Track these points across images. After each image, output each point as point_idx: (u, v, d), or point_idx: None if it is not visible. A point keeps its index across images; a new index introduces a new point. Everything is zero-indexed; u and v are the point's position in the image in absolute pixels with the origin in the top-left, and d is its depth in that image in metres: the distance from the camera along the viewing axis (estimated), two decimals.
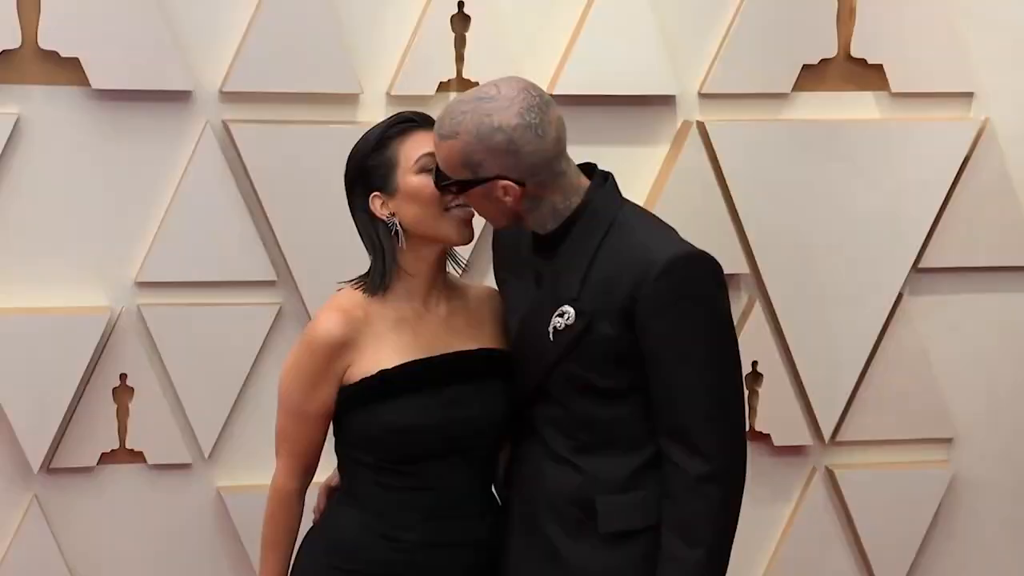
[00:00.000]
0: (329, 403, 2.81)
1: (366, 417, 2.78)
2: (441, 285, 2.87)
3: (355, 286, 2.85)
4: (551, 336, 2.72)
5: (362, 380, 2.77)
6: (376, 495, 2.82)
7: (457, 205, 2.76)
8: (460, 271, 2.97)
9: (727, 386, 2.70)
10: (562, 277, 2.73)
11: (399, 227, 2.79)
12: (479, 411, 2.80)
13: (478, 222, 2.82)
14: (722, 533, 2.69)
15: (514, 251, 2.89)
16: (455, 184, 2.71)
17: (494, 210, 2.74)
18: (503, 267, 2.95)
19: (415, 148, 2.77)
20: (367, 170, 2.80)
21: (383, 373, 2.77)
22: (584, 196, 2.74)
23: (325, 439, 2.88)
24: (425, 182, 2.75)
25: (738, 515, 2.72)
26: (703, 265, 2.70)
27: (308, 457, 2.87)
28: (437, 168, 2.74)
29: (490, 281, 3.10)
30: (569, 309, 2.70)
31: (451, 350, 2.82)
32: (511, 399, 2.84)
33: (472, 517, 2.84)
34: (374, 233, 2.81)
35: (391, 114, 3.49)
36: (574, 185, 2.74)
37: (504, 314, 2.91)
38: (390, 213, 2.79)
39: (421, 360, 2.79)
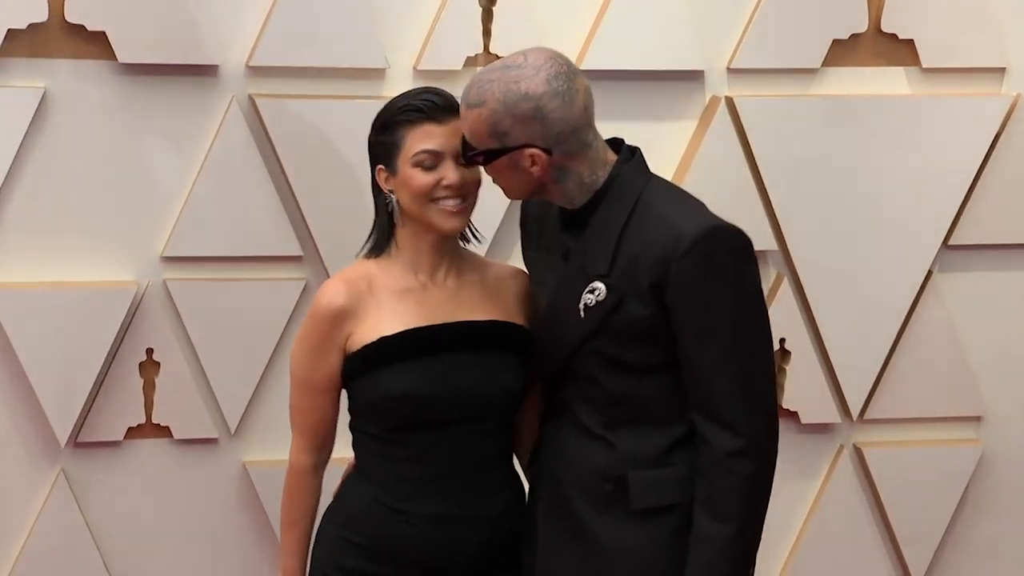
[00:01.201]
0: (334, 374, 2.82)
1: (368, 384, 2.79)
2: (450, 260, 2.87)
3: (364, 255, 2.89)
4: (582, 312, 2.70)
5: (364, 347, 2.78)
6: (383, 467, 2.82)
7: (446, 197, 2.76)
8: (467, 244, 2.93)
9: (757, 361, 2.69)
10: (591, 253, 2.72)
11: (396, 204, 2.82)
12: (481, 381, 2.79)
13: (496, 205, 2.81)
14: (753, 509, 2.67)
15: (540, 228, 2.88)
16: (481, 155, 2.70)
17: (519, 181, 2.73)
18: (531, 244, 2.93)
19: (417, 141, 2.77)
20: (376, 144, 2.83)
21: (384, 339, 2.77)
22: (611, 170, 2.73)
23: (336, 414, 2.88)
24: (417, 176, 2.76)
25: (770, 491, 2.70)
26: (731, 239, 2.68)
27: (320, 432, 2.88)
28: (464, 141, 2.73)
29: (515, 261, 3.08)
30: (600, 285, 2.69)
31: (456, 319, 2.82)
32: (522, 373, 2.83)
33: (485, 491, 2.83)
34: (379, 201, 2.86)
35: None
36: (601, 159, 2.73)
37: (529, 294, 2.90)
38: (390, 190, 2.82)
39: (423, 328, 2.79)
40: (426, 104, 2.77)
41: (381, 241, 2.86)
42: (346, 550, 2.83)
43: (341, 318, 2.80)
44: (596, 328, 2.69)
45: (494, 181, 2.77)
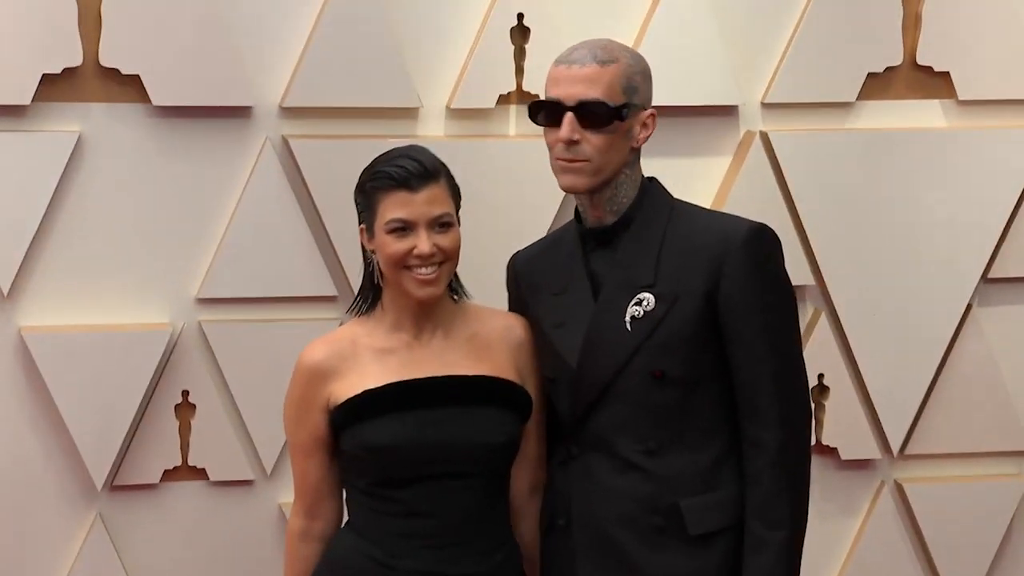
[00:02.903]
0: (318, 433, 2.81)
1: (352, 436, 2.76)
2: (437, 318, 2.83)
3: (353, 314, 2.88)
4: (628, 326, 2.70)
5: (348, 400, 2.76)
6: (371, 521, 2.79)
7: (419, 266, 2.73)
8: (457, 299, 2.88)
9: (798, 356, 2.76)
10: (632, 266, 2.72)
11: (376, 265, 2.81)
12: (465, 435, 2.75)
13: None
14: (803, 509, 2.71)
15: (535, 280, 2.86)
16: (618, 108, 2.68)
17: (618, 156, 2.72)
18: (531, 294, 2.88)
19: (389, 209, 2.73)
20: (357, 204, 2.81)
21: (368, 392, 2.75)
22: (640, 187, 2.78)
23: (324, 477, 2.84)
24: (390, 244, 2.73)
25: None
26: (774, 236, 2.76)
27: (310, 495, 2.85)
28: (588, 104, 2.68)
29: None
30: (647, 295, 2.70)
31: (441, 375, 2.79)
32: (510, 428, 2.80)
33: (476, 549, 2.77)
34: (364, 258, 2.85)
35: (450, 129, 3.50)
36: (639, 175, 2.79)
37: (526, 343, 2.86)
38: (371, 250, 2.80)
39: (408, 381, 2.77)
40: (399, 172, 2.73)
41: (367, 298, 2.85)
42: None
43: (321, 376, 2.79)
44: (644, 339, 2.69)
45: (590, 155, 2.69)
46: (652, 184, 2.80)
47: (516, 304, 2.93)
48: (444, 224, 2.74)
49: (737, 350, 2.69)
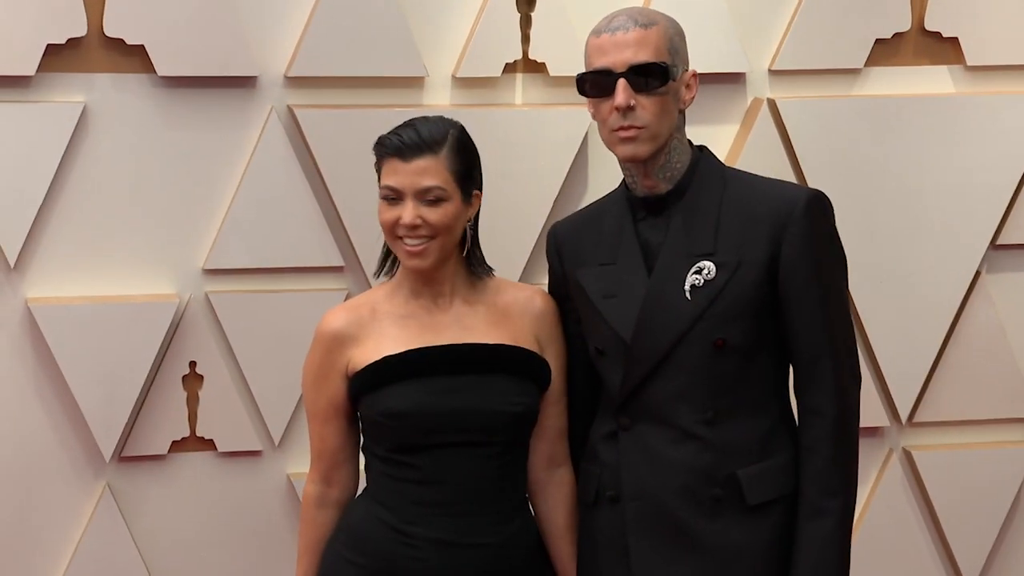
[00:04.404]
0: (337, 400, 2.82)
1: (371, 402, 2.78)
2: (453, 285, 2.84)
3: (376, 277, 2.91)
4: (688, 295, 2.69)
5: (367, 366, 2.77)
6: (388, 487, 2.80)
7: (406, 236, 2.74)
8: (479, 275, 2.88)
9: (851, 323, 2.77)
10: (690, 235, 2.71)
11: None
12: (484, 403, 2.76)
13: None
14: (855, 476, 2.73)
15: (584, 243, 2.84)
16: (666, 68, 2.67)
17: (669, 119, 2.71)
18: (575, 265, 2.84)
19: (384, 176, 2.78)
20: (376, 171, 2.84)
21: (386, 358, 2.77)
22: (692, 156, 2.77)
23: (346, 447, 2.87)
24: (383, 210, 2.77)
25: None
26: (830, 203, 2.76)
27: (326, 461, 2.87)
28: (638, 67, 2.66)
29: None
30: (708, 263, 2.69)
31: (460, 342, 2.79)
32: (528, 398, 2.80)
33: (493, 518, 2.79)
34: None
35: (456, 98, 3.48)
36: (686, 140, 2.78)
37: (548, 314, 2.86)
38: None
39: (427, 348, 2.77)
40: (395, 140, 2.76)
41: (385, 263, 2.89)
42: (347, 571, 2.81)
43: (340, 342, 2.80)
44: (705, 307, 2.68)
45: (647, 121, 2.67)
46: (703, 153, 2.79)
47: (557, 275, 2.91)
48: (435, 198, 2.73)
49: (796, 317, 2.69)
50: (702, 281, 2.69)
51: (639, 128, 2.68)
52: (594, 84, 2.71)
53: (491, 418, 2.76)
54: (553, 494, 2.89)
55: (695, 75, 2.75)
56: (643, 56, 2.67)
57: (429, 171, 2.73)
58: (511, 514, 2.82)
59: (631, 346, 2.72)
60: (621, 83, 2.66)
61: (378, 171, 2.80)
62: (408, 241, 2.75)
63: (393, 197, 2.75)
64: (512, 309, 2.85)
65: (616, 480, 2.77)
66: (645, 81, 2.67)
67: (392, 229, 2.76)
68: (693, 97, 2.75)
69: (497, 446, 2.79)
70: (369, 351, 2.79)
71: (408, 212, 2.73)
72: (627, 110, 2.67)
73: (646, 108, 2.67)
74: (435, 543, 2.75)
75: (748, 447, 2.71)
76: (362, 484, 2.92)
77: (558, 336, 2.88)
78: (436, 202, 2.74)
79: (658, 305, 2.71)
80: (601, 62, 2.70)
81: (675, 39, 2.72)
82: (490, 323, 2.82)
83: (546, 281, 2.95)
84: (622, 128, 2.69)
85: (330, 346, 2.82)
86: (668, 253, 2.72)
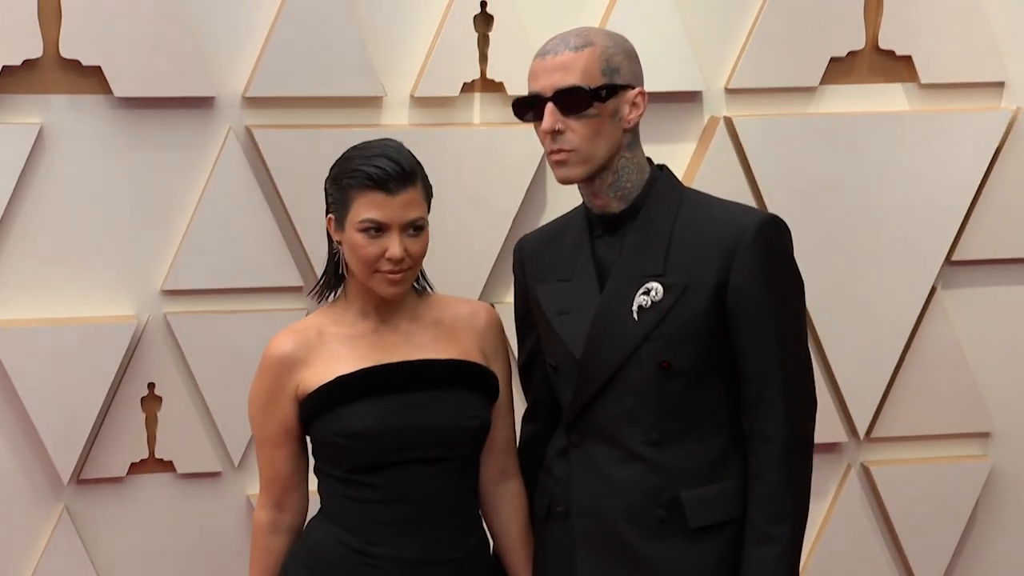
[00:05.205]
0: (287, 423, 2.80)
1: (326, 423, 2.76)
2: (401, 304, 2.83)
3: (316, 298, 2.88)
4: (635, 315, 2.68)
5: (320, 387, 2.76)
6: (347, 509, 2.78)
7: (388, 270, 2.72)
8: (422, 291, 2.89)
9: (806, 348, 2.74)
10: (641, 255, 2.70)
11: (343, 256, 2.80)
12: (442, 418, 2.75)
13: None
14: (805, 502, 2.71)
15: (542, 262, 2.85)
16: (597, 91, 2.65)
17: (608, 140, 2.68)
18: (536, 280, 2.86)
19: (364, 208, 2.72)
20: (329, 193, 2.79)
21: (341, 378, 2.75)
22: (650, 175, 2.76)
23: (294, 468, 2.85)
24: (362, 244, 2.72)
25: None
26: (786, 228, 2.74)
27: (278, 487, 2.84)
28: (563, 92, 2.65)
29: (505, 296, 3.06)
30: (655, 285, 2.68)
31: (412, 359, 2.79)
32: (483, 412, 2.80)
33: (454, 534, 2.78)
34: (330, 246, 2.84)
35: (414, 118, 3.48)
36: (643, 160, 2.76)
37: (491, 328, 2.87)
38: (338, 241, 2.79)
39: (381, 366, 2.76)
40: (378, 173, 2.71)
41: (331, 284, 2.85)
42: None
43: (288, 366, 2.78)
44: (651, 329, 2.67)
45: (577, 144, 2.66)
46: (662, 172, 2.78)
47: (522, 288, 2.91)
48: (417, 228, 2.73)
49: (745, 342, 2.67)
50: (649, 302, 2.68)
51: (568, 151, 2.68)
52: (526, 108, 2.73)
53: (451, 433, 2.76)
54: (505, 507, 2.90)
55: (642, 93, 2.72)
56: (569, 80, 2.66)
57: (413, 203, 2.72)
58: (472, 529, 2.83)
59: (581, 364, 2.73)
60: (548, 107, 2.67)
61: (344, 200, 2.75)
62: (391, 274, 2.73)
63: (376, 229, 2.72)
64: (457, 325, 2.85)
65: (567, 496, 2.78)
66: (570, 104, 2.66)
67: (374, 262, 2.73)
68: (640, 116, 2.72)
69: (456, 461, 2.79)
70: (320, 372, 2.77)
71: (396, 245, 2.70)
72: (555, 134, 2.67)
73: (576, 131, 2.67)
74: (400, 562, 2.74)
75: (695, 470, 2.70)
76: (313, 507, 2.91)
77: (502, 348, 2.90)
78: (418, 232, 2.74)
79: (607, 324, 2.71)
80: (533, 86, 2.71)
81: (615, 58, 2.68)
82: (438, 339, 2.82)
83: (506, 299, 2.96)
84: (552, 152, 2.70)
85: (279, 370, 2.79)
86: (619, 272, 2.72)
